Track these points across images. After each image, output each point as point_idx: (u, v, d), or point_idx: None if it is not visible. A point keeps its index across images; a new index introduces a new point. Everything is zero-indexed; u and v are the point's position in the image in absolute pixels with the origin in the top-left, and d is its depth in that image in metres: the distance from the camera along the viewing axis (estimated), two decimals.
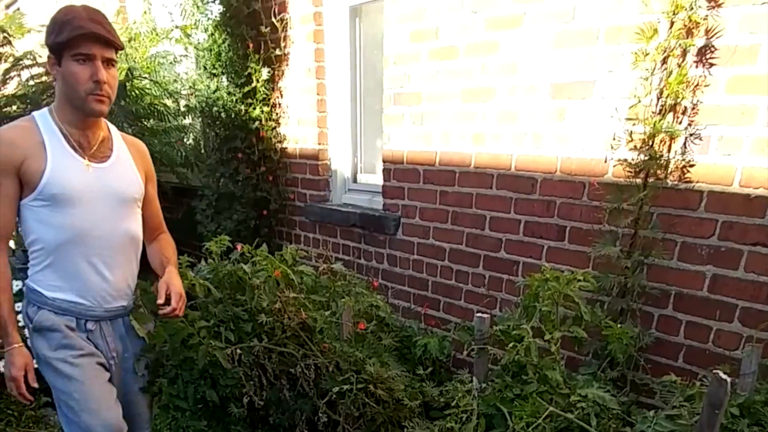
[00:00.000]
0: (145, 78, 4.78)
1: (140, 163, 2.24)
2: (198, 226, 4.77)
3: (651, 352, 2.69)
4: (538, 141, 2.91)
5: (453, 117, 3.29)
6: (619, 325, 2.48)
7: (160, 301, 2.15)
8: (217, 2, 4.16)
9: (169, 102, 5.03)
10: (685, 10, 2.27)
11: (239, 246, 2.79)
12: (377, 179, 4.01)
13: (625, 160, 2.52)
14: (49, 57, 1.97)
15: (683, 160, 2.44)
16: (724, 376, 1.76)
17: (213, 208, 4.69)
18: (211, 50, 4.28)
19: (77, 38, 1.88)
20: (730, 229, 2.38)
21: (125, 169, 2.16)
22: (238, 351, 2.48)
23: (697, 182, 2.43)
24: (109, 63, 1.97)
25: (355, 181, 4.35)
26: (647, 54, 2.37)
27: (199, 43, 4.42)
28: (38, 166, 1.94)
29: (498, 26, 2.97)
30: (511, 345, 2.24)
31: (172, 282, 2.21)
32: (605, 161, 2.65)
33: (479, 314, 2.44)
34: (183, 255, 2.61)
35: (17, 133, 1.97)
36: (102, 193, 2.06)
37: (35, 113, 2.03)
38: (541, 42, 2.81)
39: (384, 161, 3.77)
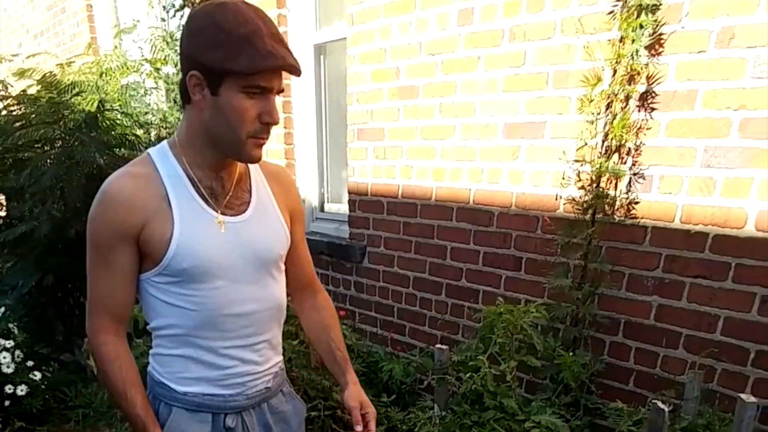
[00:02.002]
0: (116, 110, 4.84)
1: (284, 201, 1.69)
2: None
3: (604, 376, 2.84)
4: (494, 177, 3.06)
5: (414, 152, 3.43)
6: (571, 353, 2.63)
7: (359, 428, 1.66)
8: None
9: (140, 132, 5.11)
10: (627, 58, 2.44)
11: None
12: (344, 208, 4.13)
13: (573, 198, 2.68)
14: (192, 75, 1.34)
15: (628, 197, 2.60)
16: (662, 406, 1.91)
17: None
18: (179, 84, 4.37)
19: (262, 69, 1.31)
20: (674, 262, 2.54)
21: (268, 218, 1.62)
22: None
23: (642, 218, 2.59)
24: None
25: (322, 210, 4.47)
26: (592, 100, 2.53)
27: (168, 76, 4.52)
28: (162, 232, 1.42)
29: (454, 69, 3.12)
30: (468, 375, 2.38)
31: (362, 398, 1.72)
32: (556, 198, 2.81)
33: (438, 345, 2.57)
34: None
35: (134, 185, 1.42)
36: (241, 259, 1.53)
37: (151, 151, 1.48)
38: (494, 84, 2.97)
39: (349, 192, 3.90)
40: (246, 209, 1.56)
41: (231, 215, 1.52)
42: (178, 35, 4.35)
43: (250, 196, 1.59)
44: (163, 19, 4.48)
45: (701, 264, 2.46)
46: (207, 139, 1.42)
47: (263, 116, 1.37)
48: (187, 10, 4.19)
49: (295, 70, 1.34)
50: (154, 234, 1.42)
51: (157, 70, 4.67)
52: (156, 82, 5.01)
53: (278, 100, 4.04)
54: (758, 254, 2.31)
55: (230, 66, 1.28)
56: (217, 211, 1.49)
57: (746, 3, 2.17)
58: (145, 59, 4.77)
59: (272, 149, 4.41)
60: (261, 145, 1.44)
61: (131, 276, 1.47)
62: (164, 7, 4.41)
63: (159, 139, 5.01)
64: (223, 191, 1.52)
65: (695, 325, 2.53)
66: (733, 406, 2.43)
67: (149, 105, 5.33)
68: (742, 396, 1.84)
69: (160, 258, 1.43)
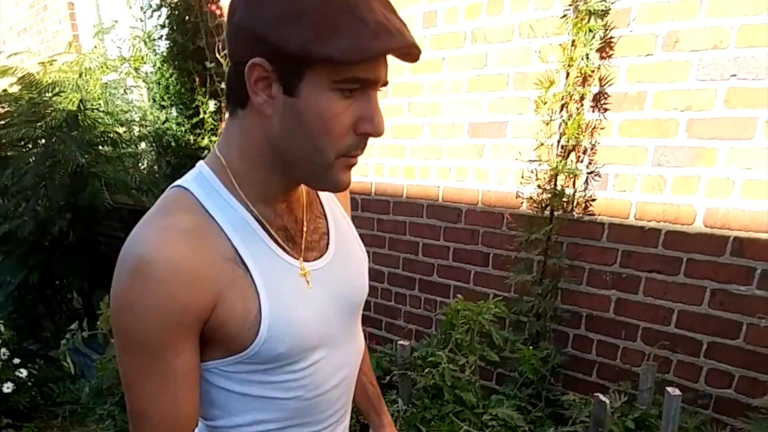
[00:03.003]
0: (96, 109, 4.91)
1: (347, 210, 1.29)
2: None
3: (569, 368, 2.93)
4: (461, 175, 3.14)
5: (385, 151, 3.50)
6: (531, 347, 2.72)
7: None
8: (164, 39, 4.33)
9: (121, 130, 5.17)
10: (579, 61, 2.51)
11: None
12: None
13: (531, 197, 2.77)
14: (254, 65, 0.88)
15: (585, 195, 2.68)
16: (604, 399, 2.00)
17: None
18: (159, 83, 4.45)
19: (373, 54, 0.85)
20: (629, 258, 2.63)
21: (349, 246, 1.20)
22: None
23: (599, 215, 2.67)
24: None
25: None
26: (546, 102, 2.61)
27: (147, 76, 4.59)
28: (246, 310, 0.98)
29: (421, 69, 3.19)
30: (427, 370, 2.46)
31: None
32: (516, 196, 2.89)
33: (401, 342, 2.66)
34: None
35: (190, 246, 0.92)
36: (336, 316, 1.13)
37: (190, 185, 0.99)
38: (459, 85, 3.04)
39: None
40: (327, 243, 1.14)
41: (314, 259, 1.10)
42: (156, 34, 4.41)
43: (326, 222, 1.17)
44: (140, 20, 4.52)
45: (655, 259, 2.55)
46: (274, 161, 0.98)
47: (362, 124, 0.93)
48: (164, 11, 4.23)
49: (415, 53, 0.90)
50: (234, 314, 0.97)
51: (137, 69, 4.72)
52: (135, 81, 5.07)
53: None
54: (707, 250, 2.39)
55: (322, 50, 0.83)
56: (298, 259, 1.06)
57: (689, 8, 2.25)
58: (124, 58, 4.83)
59: None
60: (352, 166, 0.99)
61: (196, 376, 1.00)
62: (141, 7, 4.45)
63: (141, 136, 5.08)
64: (298, 228, 1.09)
65: (651, 318, 2.62)
66: (689, 395, 2.54)
67: (131, 102, 5.39)
68: (669, 390, 1.93)
69: (245, 345, 0.99)
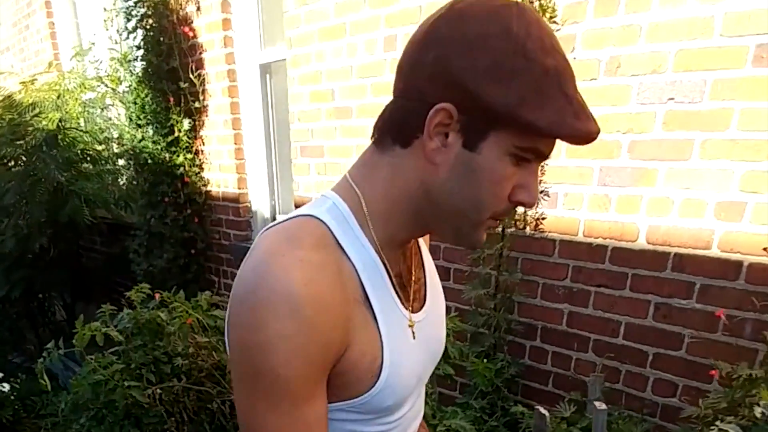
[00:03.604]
0: (74, 128, 5.00)
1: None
2: (131, 265, 5.02)
3: (526, 378, 3.04)
4: None
5: None
6: (484, 360, 2.82)
7: None
8: (140, 60, 4.42)
9: (100, 147, 5.26)
10: None
11: (157, 295, 3.03)
12: None
13: None
14: (443, 109, 0.83)
15: (536, 213, 2.78)
16: (544, 411, 2.10)
17: (145, 247, 4.92)
18: (135, 103, 4.54)
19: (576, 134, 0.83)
20: (579, 273, 2.73)
21: (439, 297, 1.16)
22: (158, 391, 2.74)
23: (550, 232, 2.77)
24: None
25: (274, 221, 4.60)
26: None
27: (124, 96, 4.68)
28: (372, 356, 0.93)
29: (383, 92, 3.30)
30: None
31: None
32: None
33: None
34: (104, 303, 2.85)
35: (329, 282, 0.85)
36: (425, 371, 1.12)
37: (326, 218, 0.91)
38: None
39: (296, 206, 4.06)
40: (425, 294, 1.10)
41: (417, 310, 1.05)
42: (132, 56, 4.51)
43: (424, 271, 1.13)
44: (116, 41, 4.62)
45: (603, 274, 2.65)
46: (420, 208, 0.93)
47: (520, 193, 0.89)
48: (140, 32, 4.34)
49: (594, 139, 0.85)
50: (362, 360, 0.91)
51: (113, 89, 4.82)
52: (112, 100, 5.17)
53: (228, 117, 4.26)
54: (650, 265, 2.50)
55: (528, 116, 0.80)
56: (408, 309, 1.02)
57: (630, 34, 2.36)
58: (100, 78, 4.94)
59: (225, 164, 4.58)
60: (489, 229, 0.97)
61: (326, 426, 0.92)
62: (117, 30, 4.55)
63: (120, 153, 5.18)
64: (409, 276, 1.05)
65: (601, 330, 2.72)
66: (636, 404, 2.65)
67: (109, 120, 5.48)
68: (596, 404, 2.03)
69: (359, 393, 0.93)
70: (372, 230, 0.93)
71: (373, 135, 0.95)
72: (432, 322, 1.08)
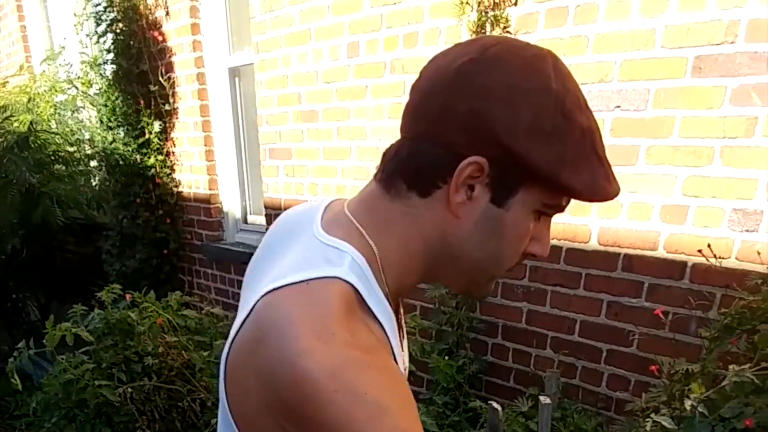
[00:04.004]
0: (46, 131, 5.02)
1: None
2: (104, 265, 5.06)
3: (489, 374, 3.13)
4: None
5: (318, 171, 3.67)
6: (445, 357, 2.91)
7: None
8: (110, 63, 4.46)
9: (72, 149, 5.29)
10: None
11: (128, 295, 3.07)
12: (264, 220, 4.36)
13: None
14: (475, 163, 0.77)
15: None
16: (497, 406, 2.18)
17: (117, 248, 4.97)
18: (106, 105, 4.58)
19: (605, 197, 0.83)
20: (536, 272, 2.83)
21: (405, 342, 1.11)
22: (129, 390, 2.80)
23: None
24: None
25: (245, 221, 4.71)
26: None
27: (94, 99, 4.72)
28: None
29: (347, 96, 3.37)
30: None
31: None
32: None
33: None
34: (77, 303, 2.91)
35: (390, 361, 0.83)
36: None
37: (348, 277, 0.79)
38: (381, 111, 3.22)
39: (266, 207, 4.14)
40: (404, 341, 1.05)
41: (402, 360, 0.99)
42: (102, 59, 4.54)
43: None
44: (86, 45, 4.66)
45: (558, 274, 2.75)
46: (437, 260, 0.87)
47: (533, 245, 0.88)
48: (110, 36, 4.37)
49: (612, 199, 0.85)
50: None
51: (84, 92, 4.86)
52: (83, 102, 5.20)
53: (198, 119, 4.32)
54: (602, 265, 2.60)
55: (568, 177, 0.78)
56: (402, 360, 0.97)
57: (578, 44, 2.45)
58: (71, 81, 4.96)
59: (195, 165, 4.64)
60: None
61: None
62: (88, 34, 4.59)
63: (92, 154, 5.20)
64: (400, 326, 0.98)
65: (558, 328, 2.82)
66: (592, 399, 2.75)
67: (81, 122, 5.50)
68: (540, 398, 2.12)
69: None
70: (386, 283, 0.85)
71: (379, 174, 0.87)
72: (404, 365, 1.01)
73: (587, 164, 0.79)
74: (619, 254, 2.54)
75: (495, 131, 0.75)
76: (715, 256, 2.05)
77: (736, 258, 2.21)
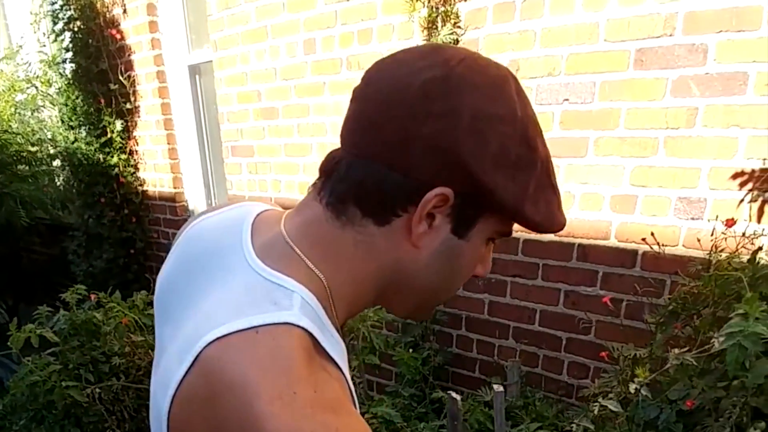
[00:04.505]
0: (7, 132, 4.97)
1: None
2: (71, 266, 5.03)
3: (454, 365, 3.17)
4: None
5: (281, 168, 3.68)
6: (410, 350, 2.95)
7: None
8: (69, 62, 4.42)
9: (34, 149, 5.24)
10: None
11: (93, 296, 3.06)
12: None
13: None
14: (442, 195, 0.71)
15: None
16: (456, 396, 2.23)
17: (84, 248, 4.94)
18: (66, 105, 4.54)
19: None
20: (496, 264, 2.85)
21: None
22: (97, 390, 2.80)
23: None
24: None
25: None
26: None
27: (55, 98, 4.68)
28: None
29: (305, 93, 3.38)
30: None
31: None
32: None
33: None
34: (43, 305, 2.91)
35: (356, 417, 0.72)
36: None
37: (302, 322, 0.69)
38: (340, 108, 3.23)
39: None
40: None
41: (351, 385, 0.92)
42: (61, 58, 4.50)
43: None
44: (44, 44, 4.61)
45: (517, 265, 2.80)
46: (387, 287, 0.82)
47: (479, 267, 0.86)
48: (67, 35, 4.33)
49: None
50: None
51: (45, 92, 4.82)
52: (43, 101, 5.16)
53: (159, 118, 4.29)
54: (558, 256, 2.65)
55: (528, 210, 0.74)
56: None
57: (525, 39, 2.49)
58: (30, 80, 4.92)
59: (159, 164, 4.62)
60: None
61: None
62: (45, 33, 4.54)
63: (54, 154, 5.16)
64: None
65: (518, 318, 2.87)
66: (554, 386, 2.80)
67: (42, 121, 5.45)
68: (494, 386, 2.16)
69: None
70: (336, 316, 0.78)
71: (325, 198, 0.77)
72: None
73: (545, 195, 0.76)
74: (573, 244, 2.58)
75: (464, 161, 0.70)
76: (659, 243, 2.10)
77: (683, 245, 2.27)
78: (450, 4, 2.63)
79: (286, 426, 0.63)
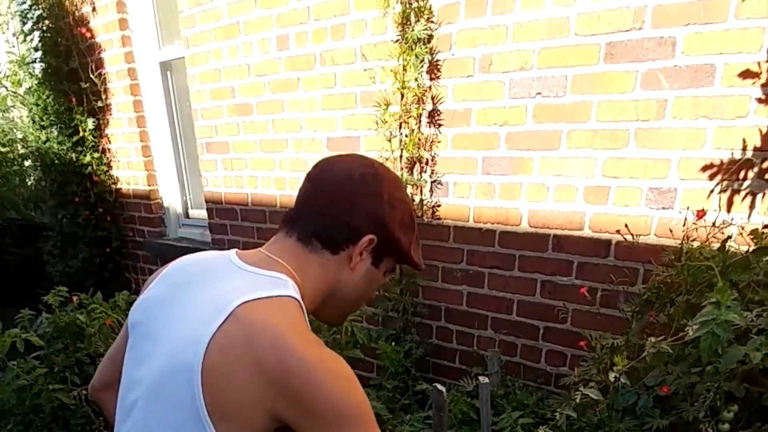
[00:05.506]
0: None
1: None
2: (47, 266, 4.99)
3: (435, 356, 3.20)
4: None
5: (257, 164, 3.68)
6: (392, 343, 2.98)
7: None
8: (38, 61, 4.37)
9: (4, 149, 5.18)
10: (411, 82, 2.74)
11: (74, 297, 3.05)
12: (206, 214, 4.34)
13: None
14: (372, 239, 1.22)
15: (432, 201, 2.93)
16: (441, 388, 2.25)
17: (59, 248, 4.91)
18: (37, 104, 4.50)
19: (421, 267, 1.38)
20: (473, 256, 2.90)
21: None
22: (84, 392, 2.79)
23: (445, 219, 2.93)
24: None
25: (187, 216, 4.69)
26: (386, 121, 2.84)
27: (25, 97, 4.62)
28: None
29: (279, 89, 3.38)
30: None
31: None
32: None
33: None
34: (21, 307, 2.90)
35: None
36: None
37: (297, 296, 1.15)
38: (314, 103, 3.24)
39: (206, 201, 4.13)
40: None
41: None
42: (30, 57, 4.45)
43: None
44: (13, 45, 4.56)
45: (494, 256, 2.83)
46: (327, 296, 1.27)
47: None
48: (37, 34, 4.28)
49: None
50: None
51: (14, 92, 4.76)
52: (13, 102, 5.09)
53: (132, 115, 4.24)
54: (534, 247, 2.68)
55: (412, 254, 1.30)
56: None
57: (497, 34, 2.51)
58: None
59: (132, 161, 4.60)
60: None
61: None
62: (14, 33, 4.49)
63: (25, 154, 5.11)
64: None
65: (497, 309, 2.90)
66: (533, 374, 2.85)
67: (12, 121, 5.39)
68: (480, 378, 2.19)
69: None
70: (304, 307, 1.16)
71: (297, 234, 1.21)
72: None
73: (417, 247, 1.32)
74: (549, 235, 2.62)
75: (384, 221, 1.22)
76: (633, 235, 2.14)
77: (655, 234, 2.32)
78: (423, 0, 2.64)
79: (310, 351, 1.02)
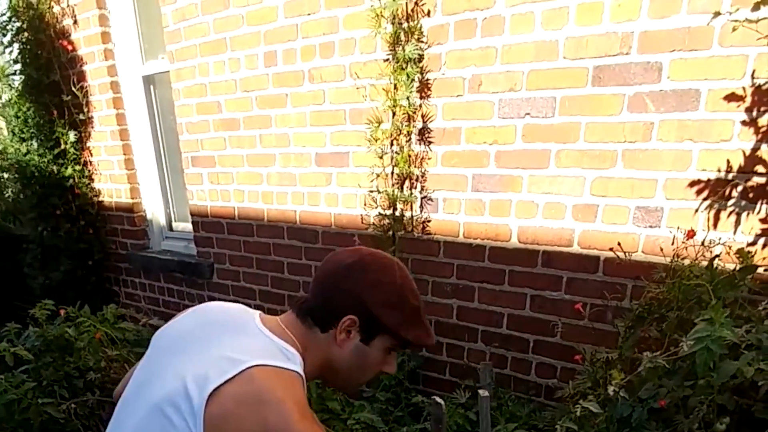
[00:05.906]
0: None
1: None
2: (27, 279, 4.95)
3: (426, 369, 3.25)
4: (314, 200, 3.38)
5: (243, 178, 3.69)
6: None
7: None
8: (18, 74, 4.34)
9: None
10: (402, 101, 2.77)
11: (62, 311, 3.02)
12: (190, 227, 4.34)
13: (373, 223, 3.05)
14: (351, 319, 1.34)
15: (422, 217, 2.97)
16: (440, 401, 2.30)
17: (39, 261, 4.87)
18: (17, 117, 4.46)
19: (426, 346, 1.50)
20: (463, 271, 2.95)
21: None
22: (73, 405, 2.79)
23: (435, 234, 2.97)
24: None
25: (171, 229, 4.68)
26: (377, 138, 2.87)
27: (4, 110, 4.58)
28: None
29: (267, 105, 3.40)
30: None
31: None
32: (361, 221, 3.16)
33: None
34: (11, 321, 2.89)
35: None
36: None
37: (301, 372, 1.32)
38: (303, 119, 3.27)
39: (192, 214, 4.13)
40: None
41: None
42: (10, 70, 4.42)
43: None
44: None
45: (484, 271, 2.88)
46: (323, 369, 1.42)
47: (387, 367, 1.45)
48: (16, 46, 4.25)
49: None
50: None
51: None
52: None
53: (114, 128, 4.22)
54: (523, 262, 2.74)
55: (404, 333, 1.36)
56: None
57: (487, 55, 2.56)
58: None
59: (115, 174, 4.58)
60: None
61: None
62: None
63: (2, 168, 5.07)
64: None
65: (487, 322, 2.96)
66: (523, 387, 2.90)
67: None
68: (480, 392, 2.23)
69: None
70: (305, 377, 1.32)
71: (297, 311, 1.40)
72: None
73: (418, 327, 1.38)
74: (538, 251, 2.68)
75: (363, 302, 1.33)
76: (624, 252, 2.21)
77: (643, 251, 2.39)
78: (414, 20, 2.68)
79: (305, 426, 1.17)
